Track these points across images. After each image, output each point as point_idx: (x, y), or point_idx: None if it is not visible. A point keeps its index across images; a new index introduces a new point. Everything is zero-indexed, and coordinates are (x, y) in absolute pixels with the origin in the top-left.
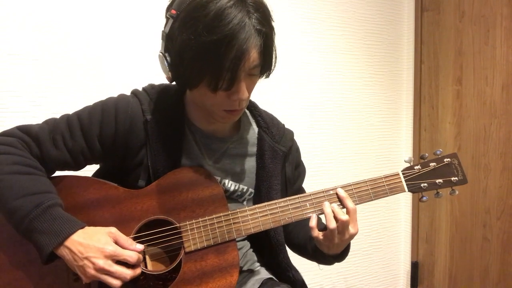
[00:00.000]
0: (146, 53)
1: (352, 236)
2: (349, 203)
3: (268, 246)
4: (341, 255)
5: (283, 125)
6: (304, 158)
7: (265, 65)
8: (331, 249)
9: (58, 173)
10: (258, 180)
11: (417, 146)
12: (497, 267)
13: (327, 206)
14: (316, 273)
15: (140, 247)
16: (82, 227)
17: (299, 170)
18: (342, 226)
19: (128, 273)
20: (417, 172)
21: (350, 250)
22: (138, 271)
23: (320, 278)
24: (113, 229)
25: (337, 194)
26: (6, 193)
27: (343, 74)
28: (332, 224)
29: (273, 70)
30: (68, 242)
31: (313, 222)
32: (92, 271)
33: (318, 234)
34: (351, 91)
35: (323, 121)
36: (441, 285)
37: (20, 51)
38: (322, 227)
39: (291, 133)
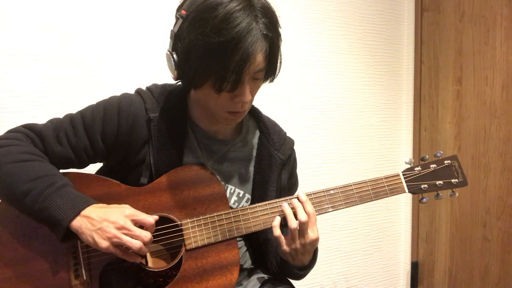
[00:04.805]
0: (146, 54)
1: (313, 243)
2: (309, 207)
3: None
4: (308, 265)
5: (285, 133)
6: (304, 158)
7: (270, 70)
8: (295, 258)
9: (60, 171)
10: (254, 185)
11: (417, 146)
12: (497, 267)
13: (286, 207)
14: (316, 273)
15: (155, 216)
16: (96, 203)
17: (292, 182)
18: (302, 227)
19: (147, 235)
20: (418, 174)
21: (350, 250)
22: (151, 238)
23: (321, 278)
24: (127, 206)
25: (298, 198)
26: (17, 178)
27: (343, 74)
28: (293, 224)
29: (277, 75)
30: (85, 212)
31: (275, 222)
32: (112, 230)
33: (280, 234)
34: (351, 91)
35: (323, 121)
36: (441, 285)
37: (20, 51)
38: (284, 234)
39: (291, 142)
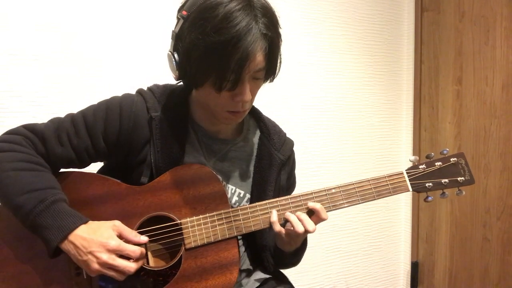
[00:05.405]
0: (146, 54)
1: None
2: (324, 214)
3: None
4: (300, 247)
5: (285, 133)
6: (304, 158)
7: (270, 70)
8: (292, 246)
9: (61, 170)
10: (253, 185)
11: (417, 146)
12: (497, 267)
13: (290, 215)
14: (316, 273)
15: (145, 239)
16: (85, 222)
17: (290, 182)
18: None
19: (132, 266)
20: (422, 172)
21: (350, 250)
22: (141, 263)
23: (321, 278)
24: (117, 222)
25: (311, 207)
26: (11, 190)
27: (343, 74)
28: (301, 229)
29: (277, 74)
30: (72, 237)
31: (274, 217)
32: (96, 266)
33: (280, 229)
34: (351, 91)
35: (323, 121)
36: (441, 285)
37: (20, 51)
38: (283, 223)
39: (291, 143)
